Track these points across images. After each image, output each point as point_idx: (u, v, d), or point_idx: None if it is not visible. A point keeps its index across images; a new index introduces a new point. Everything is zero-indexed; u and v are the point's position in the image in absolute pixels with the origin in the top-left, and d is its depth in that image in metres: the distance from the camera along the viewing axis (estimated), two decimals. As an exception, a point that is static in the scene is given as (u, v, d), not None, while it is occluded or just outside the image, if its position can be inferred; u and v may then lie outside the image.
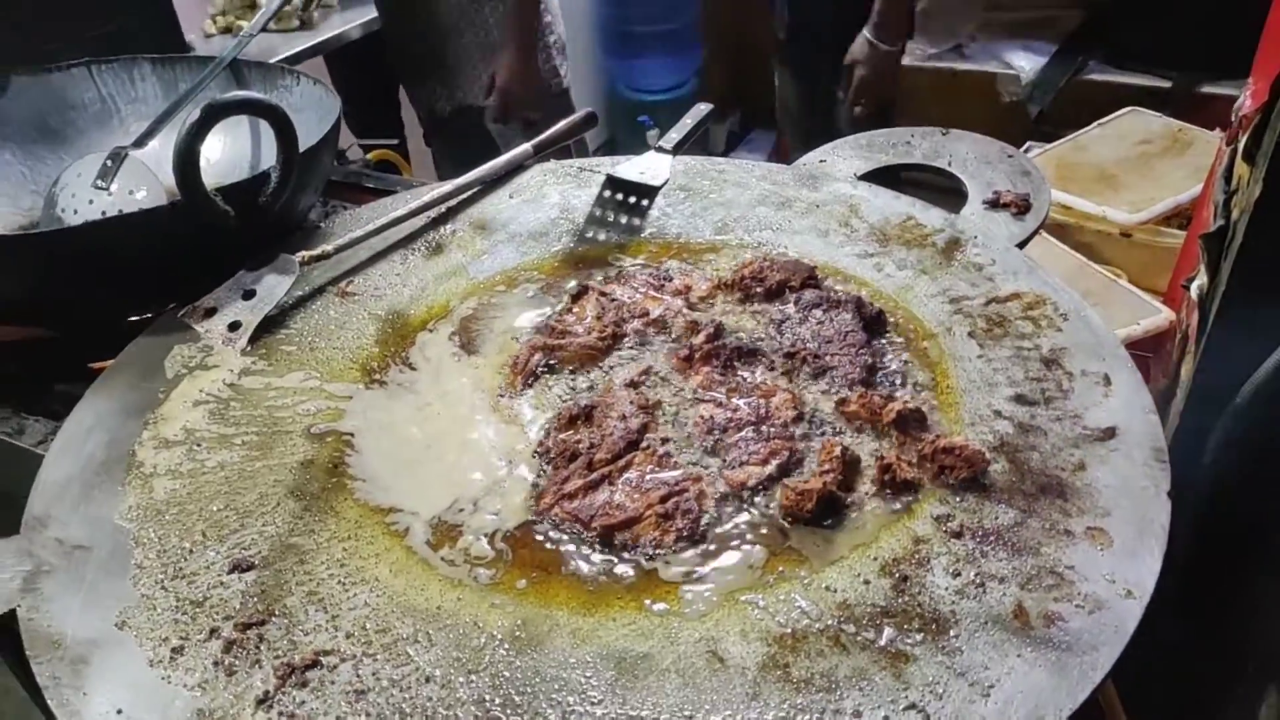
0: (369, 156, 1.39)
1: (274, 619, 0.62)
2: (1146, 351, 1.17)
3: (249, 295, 0.90)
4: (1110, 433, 0.70)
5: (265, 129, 0.94)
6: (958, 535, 0.64)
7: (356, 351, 0.87)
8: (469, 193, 1.08)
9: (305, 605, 0.63)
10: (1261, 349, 0.64)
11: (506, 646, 0.59)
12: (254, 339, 0.87)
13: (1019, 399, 0.75)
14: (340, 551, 0.67)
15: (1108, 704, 0.69)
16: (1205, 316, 0.75)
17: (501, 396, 0.81)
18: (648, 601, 0.62)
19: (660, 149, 1.11)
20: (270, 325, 0.89)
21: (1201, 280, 0.78)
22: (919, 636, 0.58)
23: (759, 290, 0.90)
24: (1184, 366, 0.80)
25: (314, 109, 1.12)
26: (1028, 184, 1.04)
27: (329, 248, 0.94)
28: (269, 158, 0.98)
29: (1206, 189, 1.20)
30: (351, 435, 0.77)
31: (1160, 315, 1.24)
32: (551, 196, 1.09)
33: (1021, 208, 1.00)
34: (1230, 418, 0.66)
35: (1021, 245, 0.96)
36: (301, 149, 0.94)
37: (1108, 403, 0.73)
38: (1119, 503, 0.65)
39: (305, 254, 0.93)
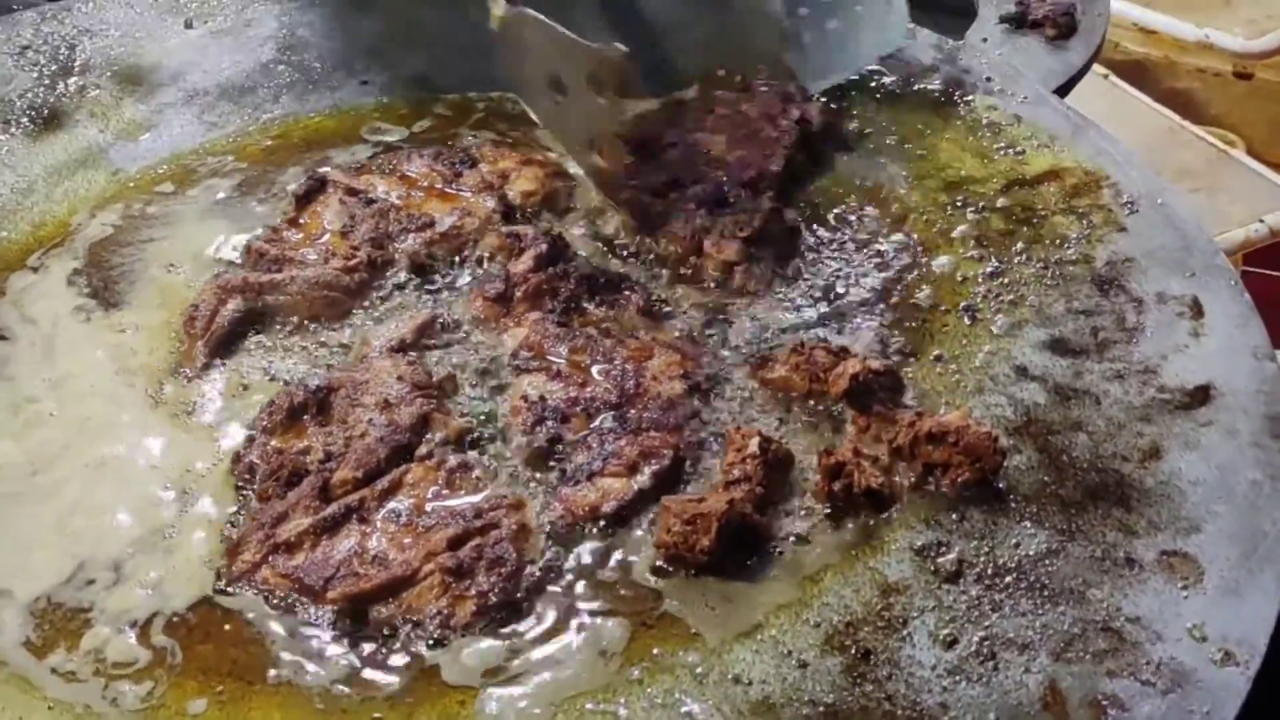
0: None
1: None
2: (1268, 267, 1.19)
3: None
4: (1201, 395, 0.72)
5: None
6: (953, 577, 0.65)
7: (-101, 310, 0.84)
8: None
9: None
10: None
11: (171, 819, 0.58)
12: None
13: (1057, 345, 0.76)
14: None
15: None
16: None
17: (169, 380, 0.80)
18: (425, 723, 0.60)
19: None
20: None
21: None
22: (889, 752, 0.58)
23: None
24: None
25: None
26: (1073, -13, 1.06)
27: None
28: None
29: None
30: (-112, 460, 0.75)
31: (1297, 206, 1.28)
32: (265, 22, 1.08)
33: (1062, 29, 1.02)
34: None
35: (1063, 91, 0.98)
36: None
37: (1198, 346, 0.75)
38: (1214, 509, 0.66)
39: None
